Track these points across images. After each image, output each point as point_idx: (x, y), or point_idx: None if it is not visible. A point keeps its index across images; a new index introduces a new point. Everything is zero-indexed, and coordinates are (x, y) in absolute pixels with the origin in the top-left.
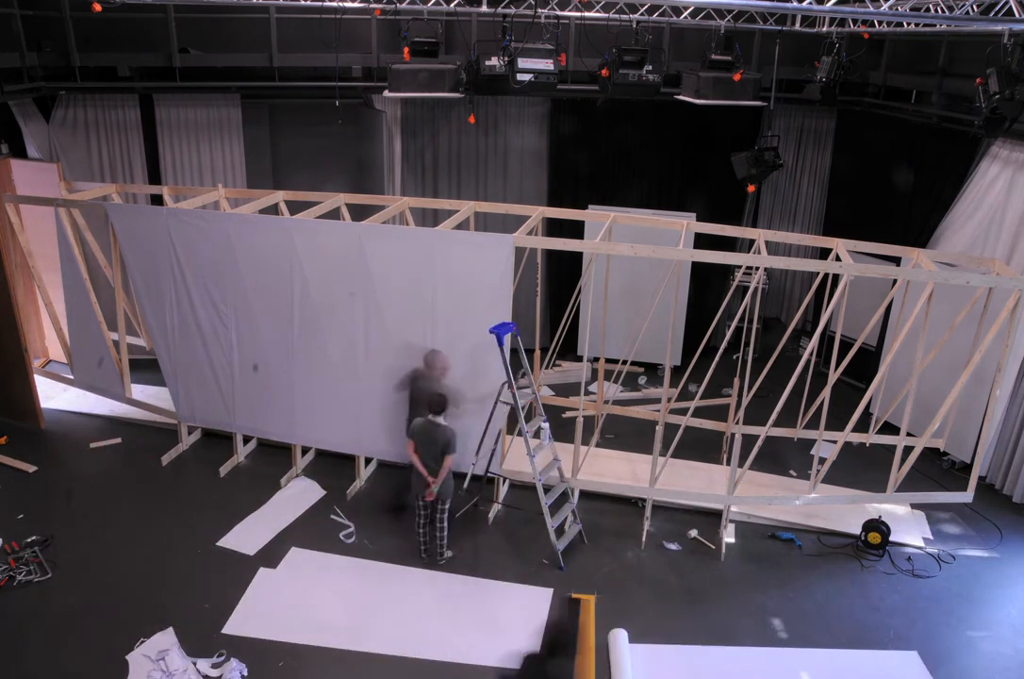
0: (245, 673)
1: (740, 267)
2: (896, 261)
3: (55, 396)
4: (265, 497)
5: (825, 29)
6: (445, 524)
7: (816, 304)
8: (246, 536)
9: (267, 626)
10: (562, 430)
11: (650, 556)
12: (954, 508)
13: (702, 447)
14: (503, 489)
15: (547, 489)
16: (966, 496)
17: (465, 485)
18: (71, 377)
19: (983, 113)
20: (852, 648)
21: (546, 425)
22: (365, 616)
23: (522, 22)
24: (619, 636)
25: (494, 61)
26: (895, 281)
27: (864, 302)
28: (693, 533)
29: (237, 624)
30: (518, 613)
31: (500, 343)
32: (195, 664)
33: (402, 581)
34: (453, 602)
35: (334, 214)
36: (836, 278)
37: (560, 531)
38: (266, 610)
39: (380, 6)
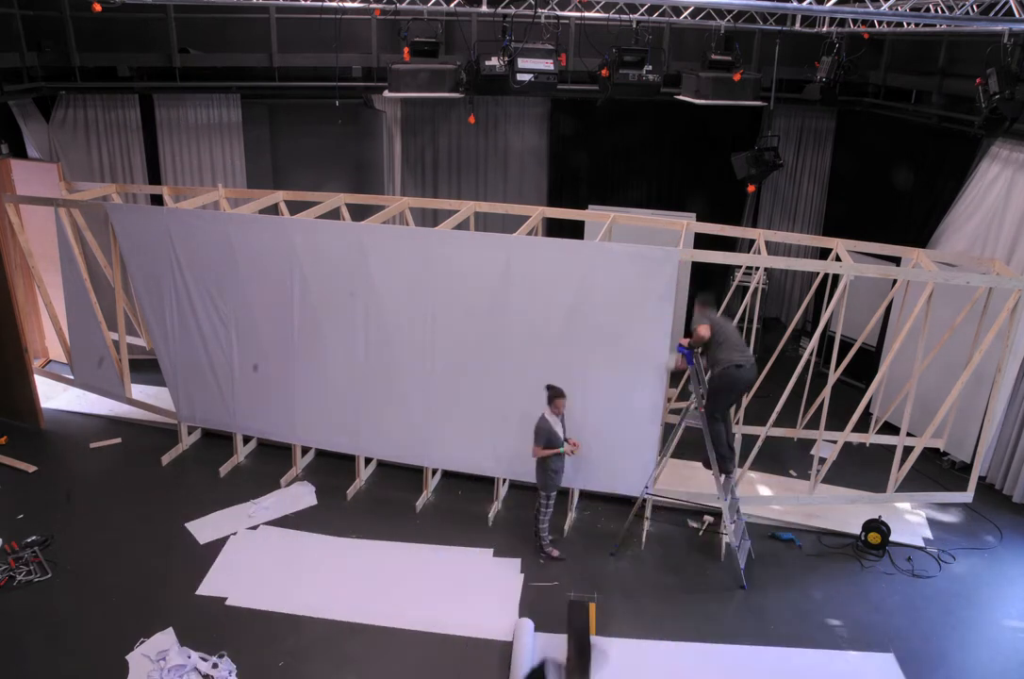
0: (235, 674)
1: (740, 267)
2: (896, 261)
3: (55, 396)
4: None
5: (825, 29)
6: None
7: (816, 304)
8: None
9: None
10: None
11: (650, 556)
12: (954, 508)
13: (702, 447)
14: (503, 489)
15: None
16: (966, 496)
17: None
18: (71, 377)
19: (983, 113)
20: (852, 648)
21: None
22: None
23: (522, 22)
24: (525, 625)
25: (494, 61)
26: (895, 281)
27: (864, 302)
28: (708, 519)
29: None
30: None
31: (690, 362)
32: (195, 664)
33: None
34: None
35: (334, 214)
36: (836, 278)
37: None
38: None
39: (380, 6)
